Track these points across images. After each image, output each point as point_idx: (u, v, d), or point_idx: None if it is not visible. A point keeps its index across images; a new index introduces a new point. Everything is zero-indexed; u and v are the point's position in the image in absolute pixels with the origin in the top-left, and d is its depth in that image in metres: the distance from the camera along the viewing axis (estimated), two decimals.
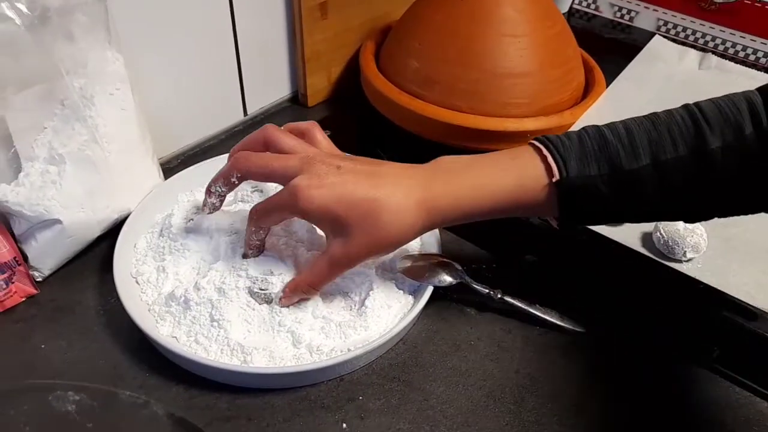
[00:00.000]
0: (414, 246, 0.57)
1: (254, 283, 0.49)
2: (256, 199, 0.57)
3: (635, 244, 0.60)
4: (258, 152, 0.48)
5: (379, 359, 0.50)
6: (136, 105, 0.56)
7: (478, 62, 0.65)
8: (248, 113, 0.75)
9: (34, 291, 0.52)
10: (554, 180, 0.44)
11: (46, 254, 0.52)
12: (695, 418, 0.48)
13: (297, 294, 0.48)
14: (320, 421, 0.45)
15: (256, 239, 0.49)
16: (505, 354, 0.51)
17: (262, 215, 0.47)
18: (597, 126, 0.46)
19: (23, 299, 0.52)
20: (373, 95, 0.73)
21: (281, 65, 0.77)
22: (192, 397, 0.46)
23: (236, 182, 0.48)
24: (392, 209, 0.44)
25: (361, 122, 0.78)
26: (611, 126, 0.46)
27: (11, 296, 0.51)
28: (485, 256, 0.59)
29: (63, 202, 0.50)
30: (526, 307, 0.53)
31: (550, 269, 0.58)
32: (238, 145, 0.50)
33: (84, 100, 0.51)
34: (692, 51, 0.86)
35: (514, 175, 0.45)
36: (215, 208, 0.52)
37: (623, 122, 0.46)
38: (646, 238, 0.61)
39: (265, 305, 0.49)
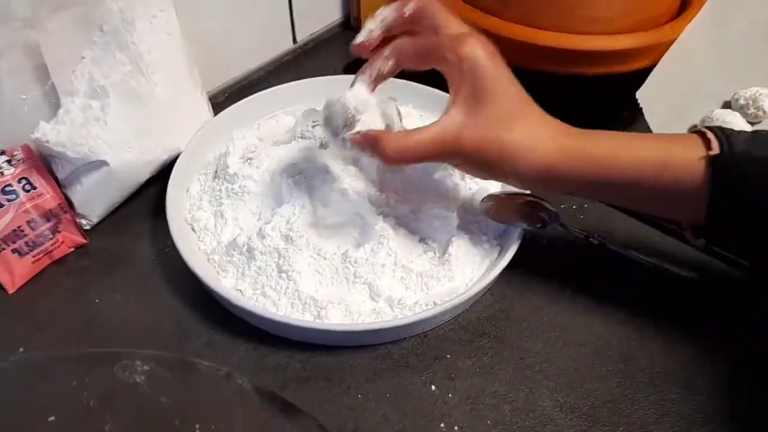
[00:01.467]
0: (496, 184, 0.51)
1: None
2: (318, 134, 0.51)
3: None
4: None
5: (466, 313, 0.44)
6: (182, 31, 0.49)
7: None
8: (297, 40, 0.68)
9: (83, 240, 0.48)
10: (711, 153, 0.36)
11: (94, 199, 0.48)
12: None
13: (371, 148, 0.40)
14: (406, 382, 0.40)
15: (384, 72, 0.41)
16: (608, 306, 0.45)
17: (405, 52, 0.40)
18: None
19: (72, 249, 0.48)
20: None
21: None
22: (263, 356, 0.42)
23: (408, 18, 0.41)
24: (532, 122, 0.40)
25: None
26: None
27: (59, 246, 0.47)
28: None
29: (109, 141, 0.45)
30: (624, 252, 0.47)
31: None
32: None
33: (125, 24, 0.44)
34: None
35: (663, 146, 0.39)
36: (371, 40, 0.42)
37: None
38: None
39: (337, 255, 0.43)
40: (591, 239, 0.47)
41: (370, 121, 0.41)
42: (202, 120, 0.52)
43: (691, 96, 0.58)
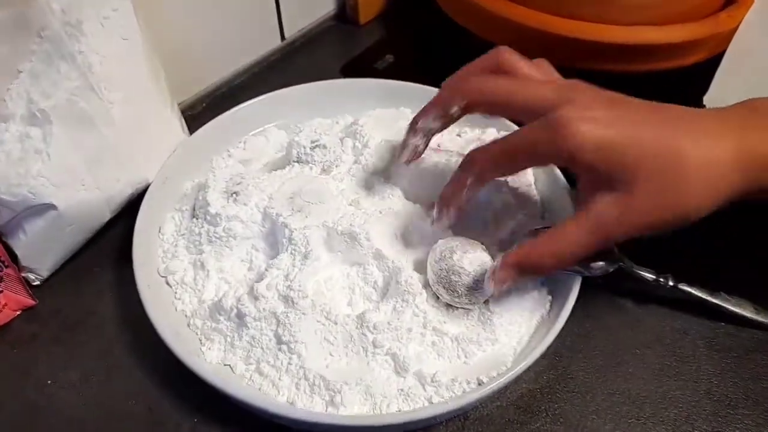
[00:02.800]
0: (533, 215, 0.42)
1: None
2: (318, 158, 0.41)
3: None
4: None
5: (513, 383, 0.36)
6: (143, 33, 0.40)
7: None
8: (286, 37, 0.58)
9: (30, 301, 0.38)
10: None
11: (41, 250, 0.38)
12: None
13: (520, 272, 0.32)
14: None
15: (465, 196, 0.34)
16: (687, 367, 0.37)
17: (497, 159, 0.32)
18: None
19: (18, 313, 0.38)
20: (452, 5, 0.55)
21: None
22: None
23: (457, 115, 0.34)
24: (698, 164, 0.29)
25: (433, 42, 0.60)
26: None
27: (1, 310, 0.37)
28: None
29: (54, 179, 0.36)
30: (708, 297, 0.38)
31: (735, 235, 0.42)
32: (456, 74, 0.35)
33: (69, 29, 0.34)
34: None
35: None
36: (417, 154, 0.37)
37: None
38: None
39: (351, 318, 0.34)
40: (661, 281, 0.38)
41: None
42: (174, 142, 0.43)
43: (759, 95, 0.49)
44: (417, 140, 0.36)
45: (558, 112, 0.30)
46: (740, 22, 0.49)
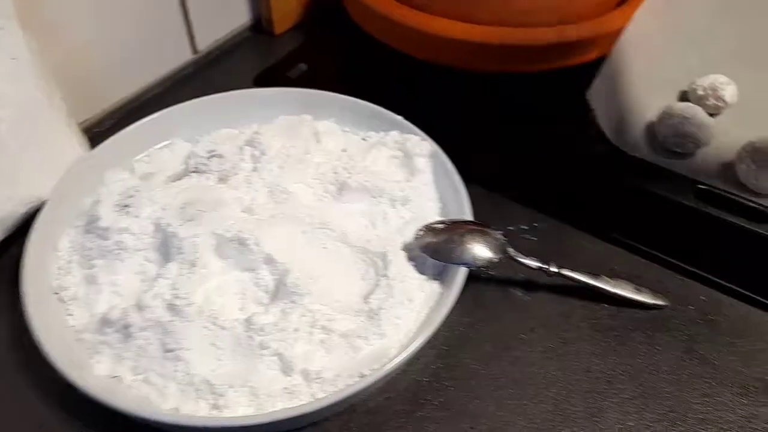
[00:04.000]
0: (432, 211, 0.43)
1: None
2: (214, 167, 0.42)
3: (713, 179, 0.46)
4: None
5: (402, 374, 0.37)
6: (33, 51, 0.40)
7: None
8: (198, 50, 0.59)
9: None
10: None
11: None
12: None
13: None
14: None
15: None
16: (569, 348, 0.38)
17: None
18: None
19: None
20: (357, 11, 0.56)
21: None
22: None
23: None
24: None
25: (347, 50, 0.62)
26: None
27: None
28: (528, 213, 0.46)
29: None
30: (590, 281, 0.40)
31: (615, 224, 0.44)
32: None
33: None
34: None
35: None
36: None
37: None
38: (727, 171, 0.47)
39: (239, 322, 0.35)
40: (545, 269, 0.39)
41: None
42: (70, 159, 0.43)
43: (645, 90, 0.51)
44: None
45: None
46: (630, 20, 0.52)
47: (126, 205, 0.39)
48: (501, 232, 0.39)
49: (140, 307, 0.34)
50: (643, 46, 0.51)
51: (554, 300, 0.41)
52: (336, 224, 0.40)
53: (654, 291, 0.41)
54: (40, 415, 0.35)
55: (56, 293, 0.38)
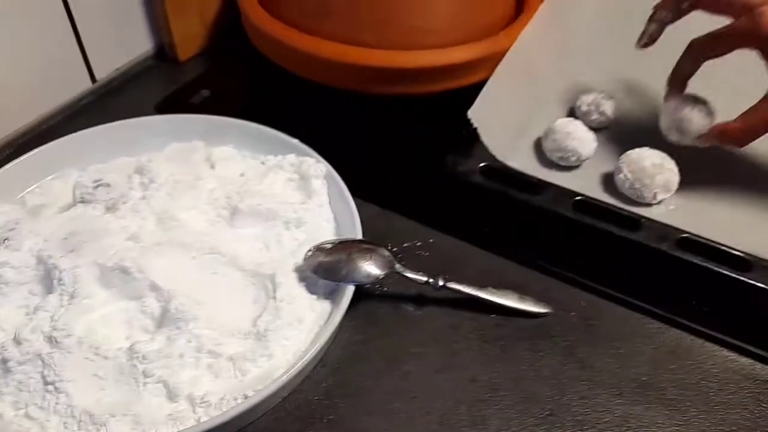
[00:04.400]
0: (327, 231, 0.44)
1: None
2: (101, 197, 0.42)
3: (595, 191, 0.49)
4: None
5: (294, 393, 0.37)
6: None
7: None
8: (97, 79, 0.58)
9: None
10: None
11: None
12: (698, 401, 0.38)
13: (723, 140, 0.46)
14: None
15: (686, 73, 0.47)
16: (457, 359, 0.40)
17: (705, 44, 0.45)
18: None
19: None
20: (255, 36, 0.57)
21: (134, 13, 0.60)
22: None
23: (686, 9, 0.47)
24: None
25: (251, 75, 0.62)
26: None
27: None
28: (421, 230, 0.47)
29: None
30: (476, 293, 0.42)
31: (501, 237, 0.47)
32: None
33: None
34: None
35: None
36: (652, 40, 0.49)
37: None
38: (607, 182, 0.50)
39: (122, 351, 0.35)
40: (431, 282, 0.41)
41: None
42: None
43: (535, 107, 0.54)
44: (653, 28, 0.48)
45: (759, 9, 0.42)
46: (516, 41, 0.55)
47: (6, 239, 0.38)
48: (388, 249, 0.41)
49: (18, 341, 0.34)
50: (528, 66, 0.54)
51: (444, 313, 0.42)
52: (227, 249, 0.41)
53: (538, 299, 0.43)
54: None
55: None
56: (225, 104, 0.57)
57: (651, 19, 0.49)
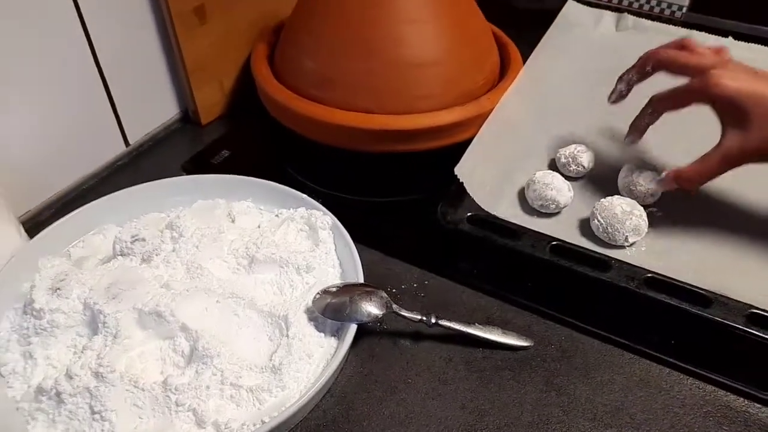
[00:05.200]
0: (333, 276, 0.50)
1: None
2: (138, 250, 0.48)
3: (574, 235, 0.55)
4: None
5: (305, 421, 0.43)
6: None
7: (378, 53, 0.58)
8: (130, 143, 0.66)
9: None
10: None
11: None
12: (665, 424, 0.43)
13: (680, 183, 0.52)
14: None
15: (645, 123, 0.55)
16: (448, 388, 0.45)
17: (663, 99, 0.52)
18: None
19: None
20: (269, 104, 0.65)
21: (162, 82, 0.67)
22: None
23: (650, 71, 0.54)
24: None
25: (265, 137, 0.69)
26: None
27: None
28: (417, 273, 0.53)
29: None
30: (464, 329, 0.47)
31: (488, 278, 0.52)
32: (652, 49, 0.54)
33: None
34: (607, 13, 0.82)
35: None
36: (621, 97, 0.56)
37: None
38: (584, 227, 0.56)
39: (157, 384, 0.41)
40: (424, 320, 0.47)
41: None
42: (11, 248, 0.49)
43: (517, 162, 0.61)
44: (621, 87, 0.56)
45: (712, 71, 0.48)
46: (498, 103, 0.61)
47: (58, 288, 0.45)
48: (387, 290, 0.47)
49: (70, 376, 0.40)
50: (511, 124, 0.61)
51: (437, 347, 0.48)
52: (246, 293, 0.47)
53: (520, 334, 0.48)
54: None
55: None
56: (242, 163, 0.64)
57: (620, 79, 0.56)
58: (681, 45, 0.53)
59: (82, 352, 0.42)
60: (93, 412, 0.39)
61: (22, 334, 0.44)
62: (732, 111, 0.48)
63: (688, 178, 0.51)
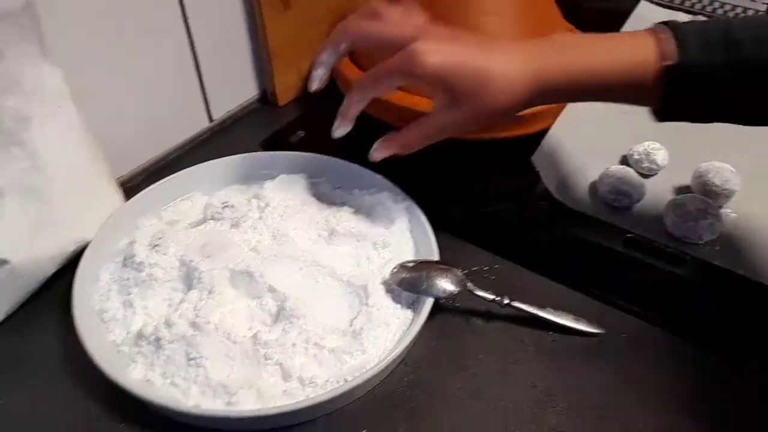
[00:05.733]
0: (408, 253, 0.52)
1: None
2: (228, 216, 0.51)
3: (646, 230, 0.55)
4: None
5: (381, 385, 0.45)
6: (83, 122, 0.50)
7: None
8: (214, 119, 0.69)
9: None
10: (667, 63, 0.41)
11: None
12: (740, 422, 0.43)
13: (390, 149, 0.48)
14: None
15: (354, 110, 0.48)
16: (519, 367, 0.46)
17: (370, 81, 0.46)
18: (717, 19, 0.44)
19: None
20: (347, 88, 0.67)
21: (245, 64, 0.70)
22: None
23: (344, 49, 0.47)
24: (501, 79, 0.43)
25: None
26: (739, 18, 0.43)
27: None
28: (488, 256, 0.54)
29: (8, 240, 0.44)
30: (536, 312, 0.48)
31: (559, 266, 0.53)
32: (343, 21, 0.47)
33: (19, 123, 0.44)
34: (681, 15, 0.81)
35: (626, 53, 0.43)
36: (323, 82, 0.49)
37: (755, 15, 0.43)
38: (656, 223, 0.56)
39: (247, 338, 0.43)
40: (497, 300, 0.48)
41: None
42: (110, 208, 0.52)
43: (589, 154, 0.62)
44: (321, 72, 0.48)
45: (414, 45, 0.42)
46: None
47: (156, 245, 0.48)
48: (462, 270, 0.48)
49: (169, 324, 0.43)
50: (584, 118, 0.61)
51: (508, 328, 0.49)
52: (326, 263, 0.49)
53: (590, 321, 0.49)
54: (88, 410, 0.42)
55: (99, 315, 0.46)
56: (317, 143, 0.66)
57: (317, 63, 0.48)
58: (372, 13, 0.46)
59: (179, 304, 0.44)
60: (189, 359, 0.42)
61: (123, 285, 0.47)
62: (439, 89, 0.44)
63: (397, 144, 0.48)
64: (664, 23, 0.43)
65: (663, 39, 0.42)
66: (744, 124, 0.45)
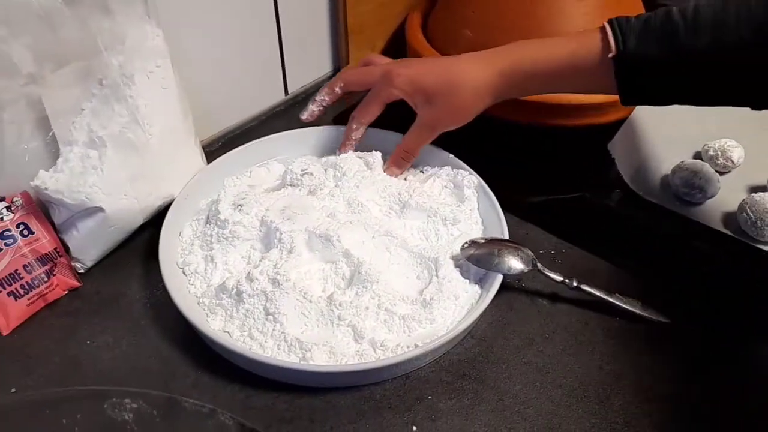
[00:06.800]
0: (477, 231, 0.53)
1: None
2: (306, 183, 0.53)
3: (718, 226, 0.55)
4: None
5: (447, 354, 0.46)
6: (178, 83, 0.52)
7: (539, 27, 0.60)
8: (289, 92, 0.71)
9: (76, 283, 0.49)
10: (610, 55, 0.44)
11: (89, 244, 0.49)
12: None
13: (399, 162, 0.56)
14: (388, 423, 0.42)
15: (354, 137, 0.56)
16: (585, 348, 0.47)
17: (361, 111, 0.55)
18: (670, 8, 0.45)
19: (66, 292, 0.49)
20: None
21: (323, 41, 0.72)
22: (248, 396, 0.43)
23: (339, 92, 0.56)
24: (468, 79, 0.50)
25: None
26: (683, 6, 0.44)
27: (53, 289, 0.48)
28: (555, 240, 0.55)
29: (105, 189, 0.47)
30: (605, 297, 0.48)
31: (627, 254, 0.53)
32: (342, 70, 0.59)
33: (123, 78, 0.47)
34: None
35: (572, 47, 0.47)
36: (313, 116, 0.58)
37: (696, 2, 0.44)
38: (731, 219, 0.55)
39: (323, 298, 0.45)
40: (566, 282, 0.48)
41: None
42: (195, 168, 0.55)
43: (663, 146, 0.61)
44: (314, 108, 0.57)
45: (388, 69, 0.52)
46: None
47: (240, 205, 0.50)
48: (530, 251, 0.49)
49: (250, 279, 0.45)
50: (661, 110, 0.61)
51: (574, 310, 0.49)
52: (398, 233, 0.50)
53: (658, 310, 0.49)
54: (167, 355, 0.45)
55: (181, 268, 0.49)
56: (389, 121, 0.67)
57: (313, 101, 0.57)
58: (365, 62, 0.57)
59: (259, 261, 0.46)
60: (267, 313, 0.44)
61: (205, 241, 0.50)
62: (418, 94, 0.51)
63: (400, 155, 0.55)
64: (617, 18, 0.46)
65: (608, 33, 0.45)
66: (700, 105, 0.47)
